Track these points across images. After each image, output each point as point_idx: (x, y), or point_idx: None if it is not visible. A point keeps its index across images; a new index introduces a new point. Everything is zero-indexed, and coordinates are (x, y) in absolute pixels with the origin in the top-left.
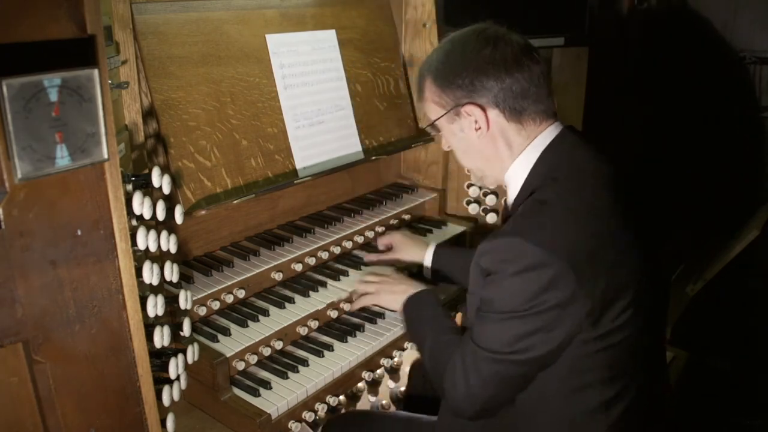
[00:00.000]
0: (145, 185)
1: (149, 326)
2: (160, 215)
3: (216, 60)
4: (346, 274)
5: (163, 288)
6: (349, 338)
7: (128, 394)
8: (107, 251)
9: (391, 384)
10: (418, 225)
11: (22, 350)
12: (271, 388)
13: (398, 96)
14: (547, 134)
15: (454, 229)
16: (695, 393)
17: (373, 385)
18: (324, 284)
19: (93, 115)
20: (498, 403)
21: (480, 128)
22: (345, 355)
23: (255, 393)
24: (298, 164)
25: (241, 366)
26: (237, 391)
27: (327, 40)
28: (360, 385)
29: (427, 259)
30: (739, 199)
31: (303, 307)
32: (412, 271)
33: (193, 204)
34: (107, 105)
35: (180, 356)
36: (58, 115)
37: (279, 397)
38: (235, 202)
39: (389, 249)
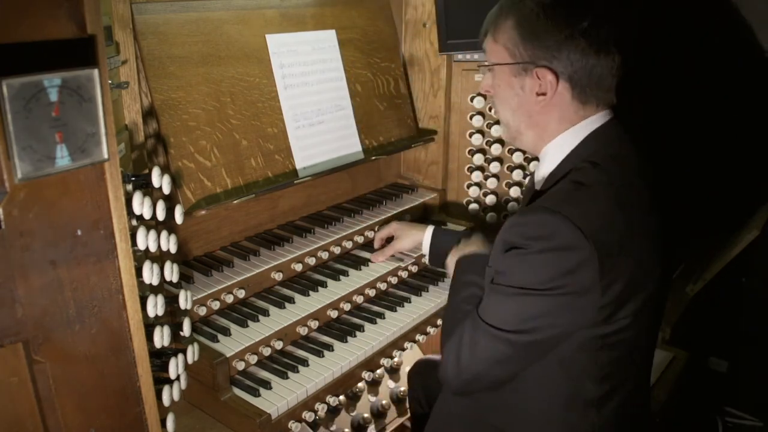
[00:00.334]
0: (145, 185)
1: (149, 326)
2: (160, 215)
3: (216, 60)
4: (346, 274)
5: (163, 288)
6: (349, 338)
7: (128, 394)
8: (107, 251)
9: (391, 384)
10: None
11: (22, 350)
12: (271, 388)
13: (398, 96)
14: (597, 118)
15: (454, 228)
16: (695, 393)
17: (373, 385)
18: (324, 284)
19: (93, 115)
20: (483, 384)
21: (544, 94)
22: (345, 355)
23: (255, 393)
24: (298, 164)
25: (241, 366)
26: (237, 391)
27: (327, 40)
28: (360, 385)
29: (426, 242)
30: (739, 199)
31: (303, 307)
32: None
33: (193, 204)
34: (107, 105)
35: (180, 356)
36: (58, 115)
37: (279, 397)
38: (235, 202)
39: (388, 240)
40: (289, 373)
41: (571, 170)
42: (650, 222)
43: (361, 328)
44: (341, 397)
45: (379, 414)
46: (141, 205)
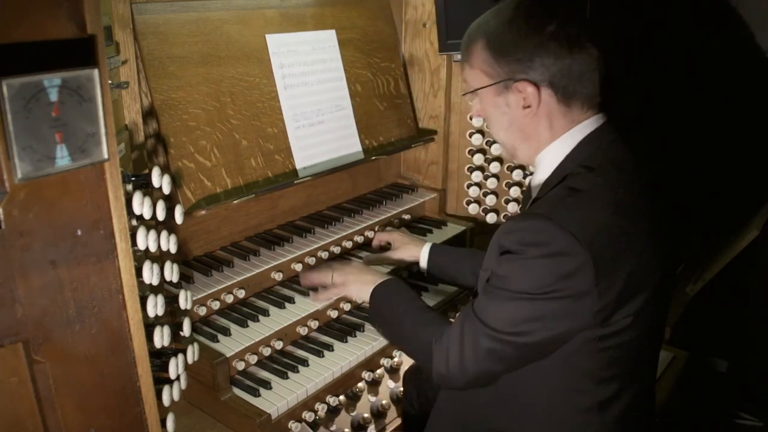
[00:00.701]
0: (145, 185)
1: (149, 326)
2: (160, 215)
3: (216, 60)
4: None
5: (163, 288)
6: (349, 338)
7: (128, 394)
8: (107, 251)
9: (391, 384)
10: (418, 225)
11: (22, 350)
12: (271, 388)
13: (398, 96)
14: (589, 123)
15: (454, 229)
16: (695, 393)
17: (373, 385)
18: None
19: (93, 115)
20: (490, 377)
21: (529, 106)
22: (345, 355)
23: (255, 393)
24: (298, 164)
25: (241, 366)
26: (237, 391)
27: (327, 40)
28: (360, 385)
29: (423, 259)
30: (739, 199)
31: (303, 307)
32: (412, 270)
33: (193, 204)
34: (107, 105)
35: (180, 356)
36: (58, 115)
37: (279, 397)
38: (235, 202)
39: (386, 247)
40: (289, 373)
41: (567, 176)
42: (649, 223)
43: (361, 328)
44: (341, 397)
45: (379, 414)
46: (141, 205)
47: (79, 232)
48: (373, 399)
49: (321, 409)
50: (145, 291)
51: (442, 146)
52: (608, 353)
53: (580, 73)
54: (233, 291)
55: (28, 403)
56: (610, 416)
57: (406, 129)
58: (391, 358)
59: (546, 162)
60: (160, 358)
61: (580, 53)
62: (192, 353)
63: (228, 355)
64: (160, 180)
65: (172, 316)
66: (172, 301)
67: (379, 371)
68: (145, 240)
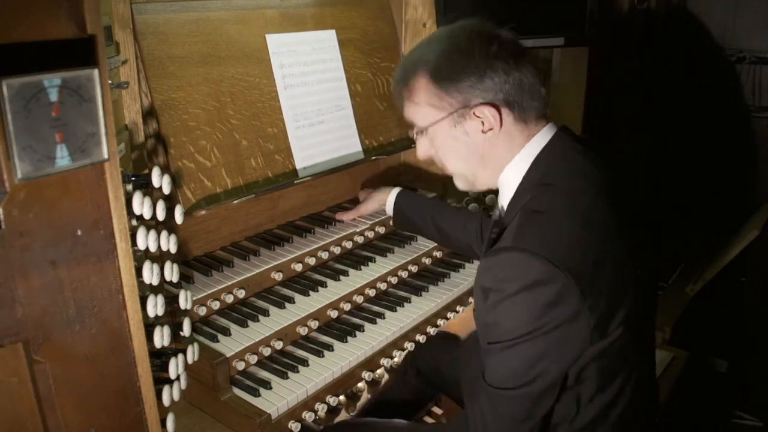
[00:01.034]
0: (145, 185)
1: (149, 326)
2: (160, 215)
3: (216, 60)
4: (346, 274)
5: (163, 288)
6: (349, 338)
7: (128, 394)
8: (107, 251)
9: None
10: None
11: (22, 350)
12: (271, 388)
13: None
14: (542, 135)
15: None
16: (695, 393)
17: (373, 385)
18: (324, 284)
19: (93, 115)
20: None
21: (491, 129)
22: (345, 355)
23: (255, 393)
24: (298, 164)
25: (241, 366)
26: (237, 391)
27: (327, 40)
28: (360, 385)
29: (389, 205)
30: (739, 199)
31: (303, 307)
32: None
33: (193, 204)
34: (107, 105)
35: (180, 356)
36: (58, 115)
37: (279, 397)
38: (235, 202)
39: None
40: (289, 373)
41: (527, 198)
42: (617, 226)
43: (361, 328)
44: (341, 397)
45: None
46: (141, 205)
47: (79, 232)
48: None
49: (321, 409)
50: (145, 291)
51: None
52: (609, 361)
53: (530, 85)
54: (233, 291)
55: (28, 403)
56: (613, 418)
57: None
58: (391, 358)
59: (507, 183)
60: (160, 358)
61: (525, 66)
62: (192, 353)
63: (228, 355)
64: (160, 180)
65: (172, 316)
66: (172, 301)
67: (379, 371)
68: (145, 240)
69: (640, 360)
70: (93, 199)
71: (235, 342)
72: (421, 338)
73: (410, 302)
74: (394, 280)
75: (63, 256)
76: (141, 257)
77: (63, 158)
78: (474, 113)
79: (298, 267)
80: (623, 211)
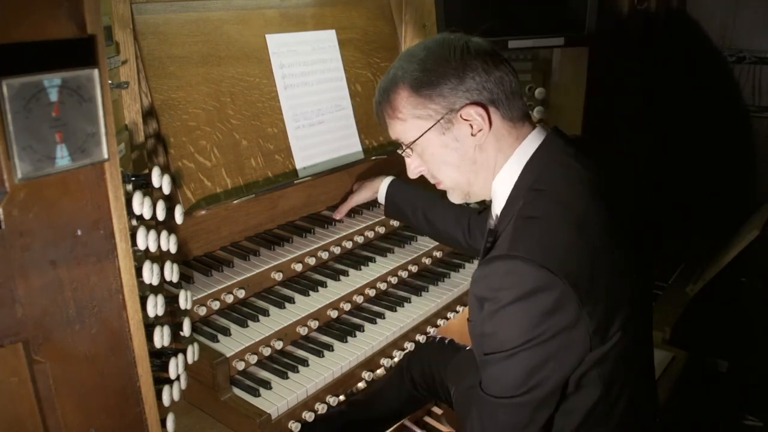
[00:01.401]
0: (145, 185)
1: (149, 326)
2: (160, 215)
3: (216, 60)
4: (346, 274)
5: (163, 288)
6: (349, 338)
7: (128, 394)
8: (107, 251)
9: None
10: None
11: (22, 350)
12: (271, 388)
13: None
14: (532, 139)
15: None
16: (695, 393)
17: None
18: (324, 284)
19: (93, 115)
20: None
21: (480, 130)
22: (345, 355)
23: (255, 393)
24: (298, 164)
25: (241, 366)
26: (237, 391)
27: (327, 40)
28: (360, 385)
29: (381, 193)
30: (739, 199)
31: (303, 307)
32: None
33: (193, 204)
34: (107, 105)
35: (180, 356)
36: (58, 115)
37: (279, 397)
38: (235, 202)
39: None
40: (289, 373)
41: (520, 204)
42: (611, 229)
43: (361, 328)
44: (341, 397)
45: None
46: (141, 205)
47: (79, 232)
48: None
49: (321, 409)
50: (145, 291)
51: None
52: (609, 366)
53: (511, 83)
54: (233, 291)
55: (28, 403)
56: (614, 422)
57: None
58: (391, 358)
59: (500, 190)
60: (160, 358)
61: (503, 66)
62: (192, 353)
63: (228, 355)
64: (160, 180)
65: (172, 316)
66: (172, 301)
67: (379, 371)
68: (145, 240)
69: (640, 362)
70: (93, 199)
71: (235, 342)
72: (421, 338)
73: (410, 302)
74: (394, 280)
75: (63, 256)
76: (141, 257)
77: (63, 158)
78: (461, 116)
79: (298, 267)
80: (619, 214)
